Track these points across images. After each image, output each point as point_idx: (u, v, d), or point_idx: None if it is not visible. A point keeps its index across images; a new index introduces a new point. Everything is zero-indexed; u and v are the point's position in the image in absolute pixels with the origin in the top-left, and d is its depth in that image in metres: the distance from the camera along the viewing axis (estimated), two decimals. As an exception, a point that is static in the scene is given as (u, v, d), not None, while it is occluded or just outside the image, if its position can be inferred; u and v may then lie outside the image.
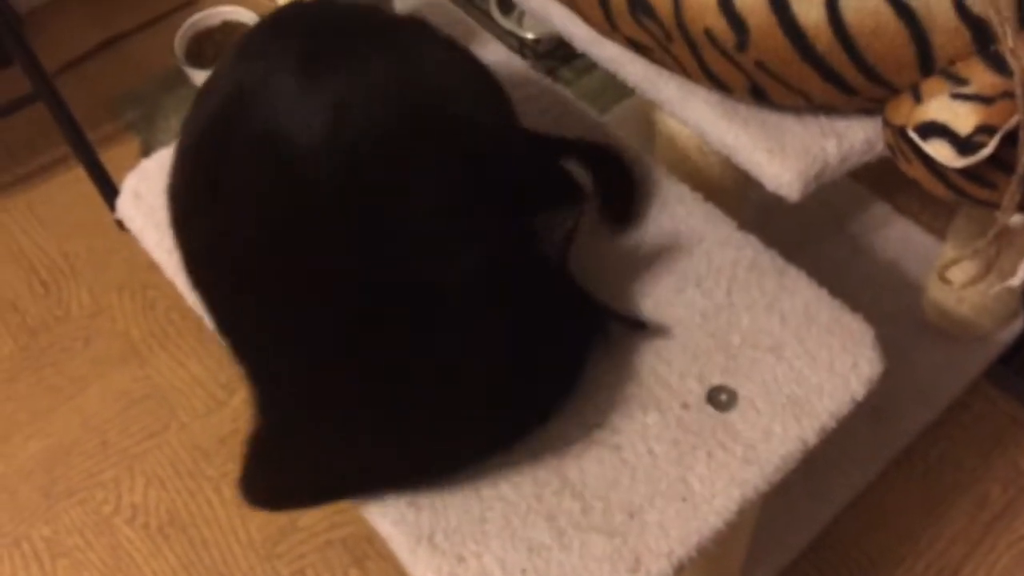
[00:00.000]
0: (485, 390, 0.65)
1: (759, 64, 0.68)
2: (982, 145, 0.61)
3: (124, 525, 1.24)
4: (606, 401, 0.72)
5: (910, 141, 0.65)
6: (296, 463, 0.69)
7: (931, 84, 0.65)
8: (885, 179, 1.28)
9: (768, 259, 0.78)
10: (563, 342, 0.69)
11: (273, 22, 0.73)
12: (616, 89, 1.45)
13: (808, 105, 0.72)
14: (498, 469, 0.69)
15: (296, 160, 0.64)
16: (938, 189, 0.68)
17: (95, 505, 1.25)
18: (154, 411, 1.33)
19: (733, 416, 0.70)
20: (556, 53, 1.56)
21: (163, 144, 1.21)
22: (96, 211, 1.51)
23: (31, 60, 1.35)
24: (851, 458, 1.09)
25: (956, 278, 0.79)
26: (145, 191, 0.89)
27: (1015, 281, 0.73)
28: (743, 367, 0.72)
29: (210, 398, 1.32)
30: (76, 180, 1.52)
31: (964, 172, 0.65)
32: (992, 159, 0.62)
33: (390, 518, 0.68)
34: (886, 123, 0.70)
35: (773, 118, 0.74)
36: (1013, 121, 0.60)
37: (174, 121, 1.61)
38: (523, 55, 1.52)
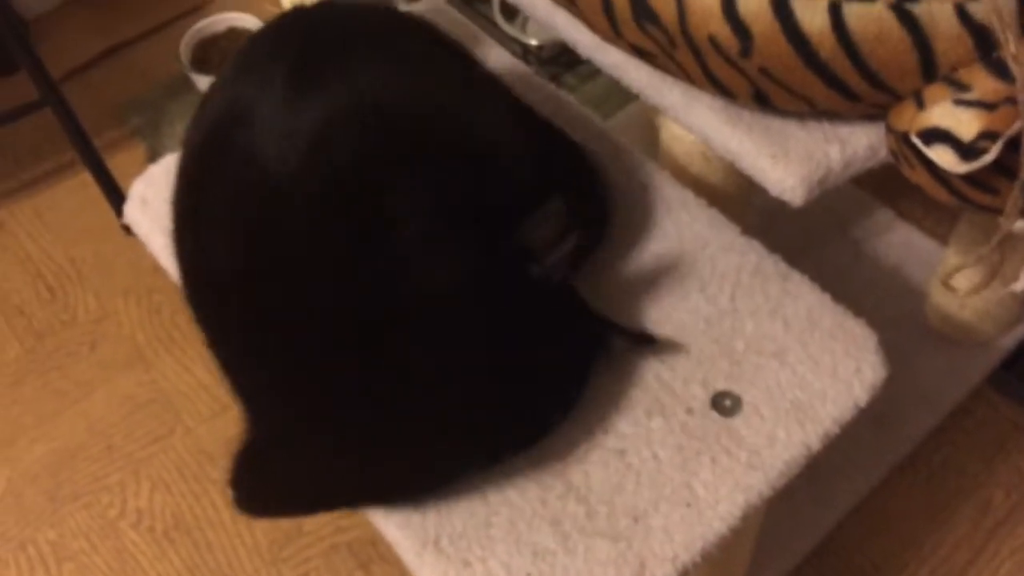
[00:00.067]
0: (476, 409, 0.65)
1: (763, 70, 0.68)
2: (985, 151, 0.61)
3: (129, 529, 1.24)
4: (611, 406, 0.72)
5: (913, 147, 0.66)
6: (283, 475, 0.69)
7: (934, 90, 0.65)
8: (888, 185, 1.28)
9: (772, 264, 0.78)
10: (563, 360, 0.69)
11: (271, 32, 0.73)
12: (620, 95, 1.45)
13: (812, 111, 0.72)
14: (503, 473, 0.70)
15: (275, 186, 0.64)
16: (941, 195, 0.69)
17: (100, 509, 1.26)
18: (159, 415, 1.33)
19: (737, 421, 0.70)
20: (560, 59, 1.56)
21: (169, 150, 1.22)
22: (102, 216, 1.51)
23: (37, 66, 1.36)
24: (854, 463, 1.09)
25: (960, 285, 0.80)
26: (152, 196, 0.89)
27: (1018, 286, 0.73)
28: (747, 372, 0.73)
29: (215, 402, 1.33)
30: (82, 185, 1.53)
31: (967, 178, 0.65)
32: (995, 165, 0.62)
33: (395, 522, 0.69)
34: (889, 129, 0.70)
35: (777, 124, 0.74)
36: (1016, 127, 0.61)
37: (179, 127, 1.62)
38: (527, 61, 1.53)
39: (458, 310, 0.64)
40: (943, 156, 0.63)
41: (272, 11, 1.71)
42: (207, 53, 1.66)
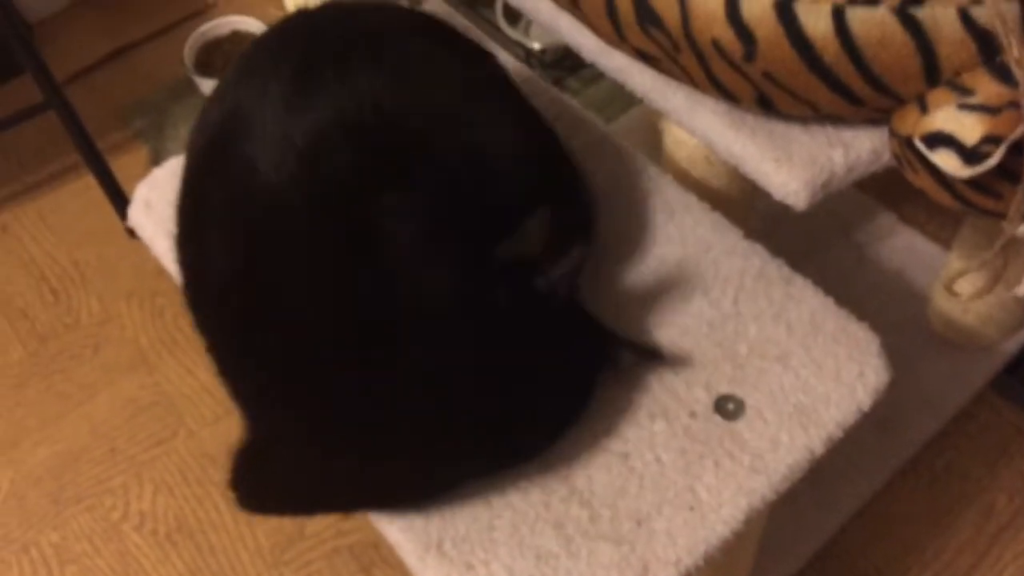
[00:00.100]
0: (474, 419, 0.65)
1: (766, 74, 0.68)
2: (988, 155, 0.61)
3: (132, 532, 1.24)
4: (614, 409, 0.72)
5: (916, 151, 0.66)
6: (282, 475, 0.69)
7: (937, 95, 0.65)
8: (891, 189, 1.28)
9: (775, 268, 0.78)
10: (567, 372, 0.69)
11: (273, 35, 0.73)
12: (622, 99, 1.45)
13: (815, 115, 0.73)
14: (507, 477, 0.70)
15: (273, 191, 0.64)
16: (944, 199, 0.69)
17: (103, 512, 1.26)
18: (162, 418, 1.33)
19: (740, 425, 0.70)
20: (563, 63, 1.57)
21: (172, 152, 1.22)
22: (106, 219, 1.52)
23: (42, 69, 1.36)
24: (857, 467, 1.09)
25: (963, 290, 0.80)
26: (156, 199, 0.90)
27: (1021, 291, 0.73)
28: (750, 376, 0.73)
29: (218, 405, 1.33)
30: (86, 188, 1.53)
31: (970, 182, 0.65)
32: (998, 169, 0.62)
33: (398, 525, 0.69)
34: (892, 133, 0.70)
35: (780, 128, 0.74)
36: (1019, 131, 0.61)
37: (183, 129, 1.62)
38: (530, 65, 1.53)
39: (453, 319, 0.64)
40: (947, 160, 0.63)
41: (276, 15, 1.71)
42: (211, 56, 1.66)
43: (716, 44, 0.68)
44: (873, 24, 0.63)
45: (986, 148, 0.61)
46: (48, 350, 1.41)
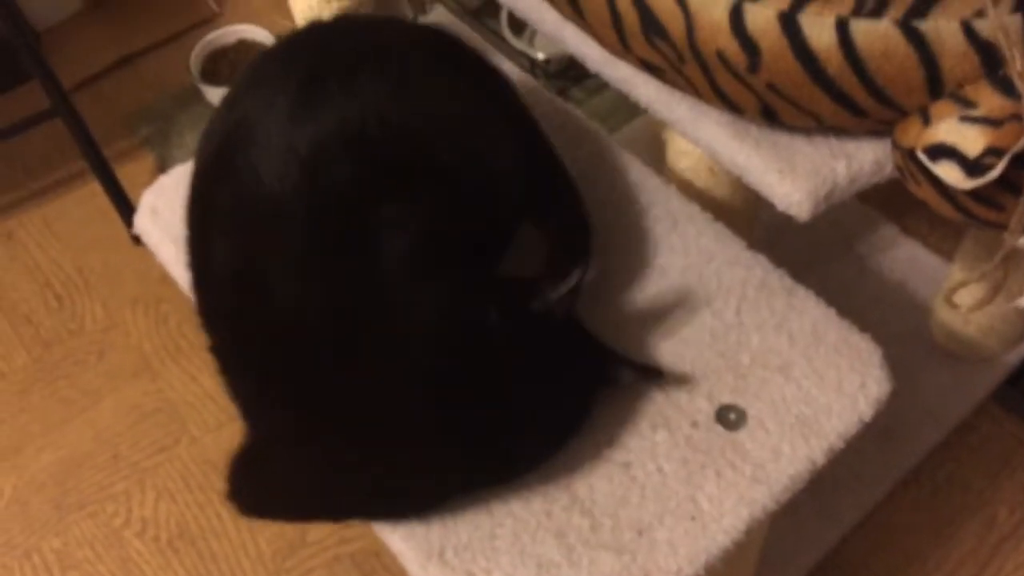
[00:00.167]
0: (469, 432, 0.65)
1: (770, 86, 0.69)
2: (990, 167, 0.61)
3: (134, 538, 1.24)
4: (616, 419, 0.72)
5: (919, 163, 0.66)
6: (279, 480, 0.69)
7: (940, 107, 0.66)
8: (894, 200, 1.28)
9: (777, 279, 0.78)
10: (564, 388, 0.69)
11: (284, 46, 0.74)
12: (626, 109, 1.46)
13: (818, 126, 0.73)
14: (508, 486, 0.70)
15: (275, 200, 0.65)
16: (946, 210, 0.69)
17: (106, 518, 1.26)
18: (165, 425, 1.33)
19: (742, 435, 0.71)
20: (567, 73, 1.57)
21: (178, 160, 1.22)
22: (111, 226, 1.52)
23: (49, 76, 1.37)
24: (859, 478, 1.09)
25: (963, 301, 0.80)
26: (162, 207, 0.90)
27: (1022, 302, 0.73)
28: (752, 386, 0.73)
29: (221, 412, 1.33)
30: (91, 195, 1.54)
31: (972, 194, 0.65)
32: (1000, 181, 0.62)
33: (400, 534, 0.69)
34: (895, 145, 0.70)
35: (784, 139, 0.75)
36: (1021, 143, 0.61)
37: (188, 137, 1.63)
38: (534, 75, 1.53)
39: (447, 332, 0.65)
40: (949, 172, 0.63)
41: (283, 23, 1.72)
42: (217, 65, 1.67)
43: (720, 55, 0.69)
44: (877, 36, 0.64)
45: (988, 160, 0.62)
46: (52, 356, 1.41)
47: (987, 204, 0.66)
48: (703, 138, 0.78)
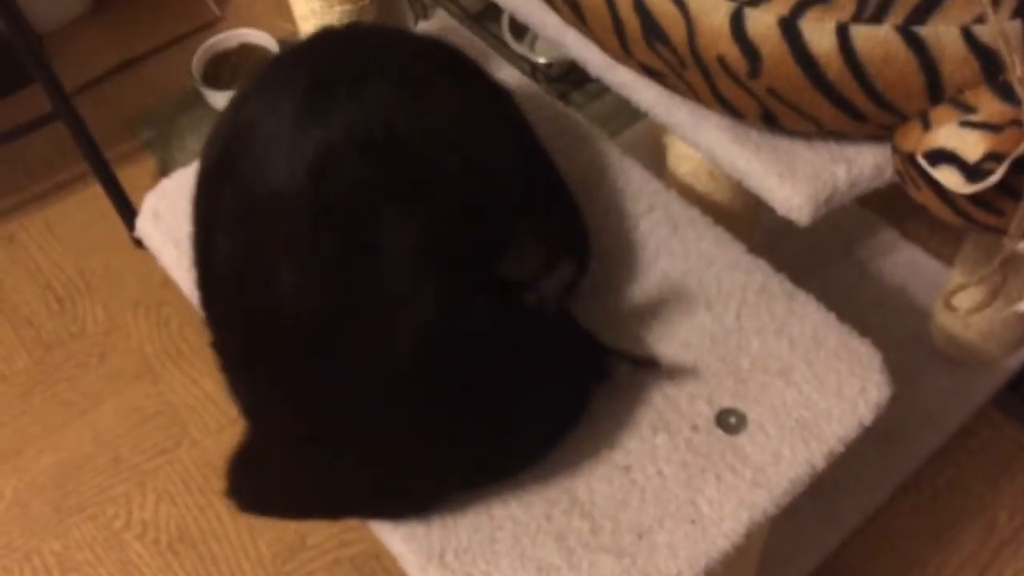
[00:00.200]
0: (465, 430, 0.66)
1: (771, 91, 0.69)
2: (990, 172, 0.62)
3: (134, 541, 1.24)
4: (616, 422, 0.72)
5: (919, 167, 0.66)
6: (278, 477, 0.70)
7: (940, 112, 0.66)
8: (894, 205, 1.28)
9: (777, 283, 0.79)
10: (560, 383, 0.70)
11: (295, 51, 0.76)
12: (627, 114, 1.46)
13: (819, 131, 0.73)
14: (508, 488, 0.70)
15: (278, 201, 0.66)
16: (946, 215, 0.69)
17: (106, 520, 1.26)
18: (166, 427, 1.34)
19: (742, 439, 0.71)
20: (568, 77, 1.57)
21: (179, 163, 1.23)
22: (113, 229, 1.52)
23: (51, 79, 1.37)
24: (860, 482, 1.09)
25: (962, 304, 0.80)
26: (164, 210, 0.90)
27: (1022, 307, 0.74)
28: (752, 390, 0.73)
29: (222, 415, 1.33)
30: (93, 198, 1.54)
31: (972, 198, 0.66)
32: (1000, 186, 0.62)
33: (400, 536, 0.69)
34: (895, 149, 0.71)
35: (784, 143, 0.75)
36: (1021, 149, 0.61)
37: (190, 141, 1.63)
38: (535, 79, 1.54)
39: (444, 329, 0.65)
40: (949, 177, 0.64)
41: (286, 28, 1.72)
42: (219, 69, 1.67)
43: (721, 60, 0.69)
44: (877, 42, 0.64)
45: (988, 165, 0.62)
46: (53, 358, 1.42)
47: (987, 209, 0.67)
48: (703, 142, 0.78)
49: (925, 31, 0.63)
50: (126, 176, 1.50)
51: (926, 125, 0.66)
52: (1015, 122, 0.62)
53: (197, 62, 1.65)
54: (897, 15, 0.63)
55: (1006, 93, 0.63)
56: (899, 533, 1.18)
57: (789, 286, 0.78)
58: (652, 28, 0.71)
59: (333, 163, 0.66)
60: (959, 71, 0.64)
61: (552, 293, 0.68)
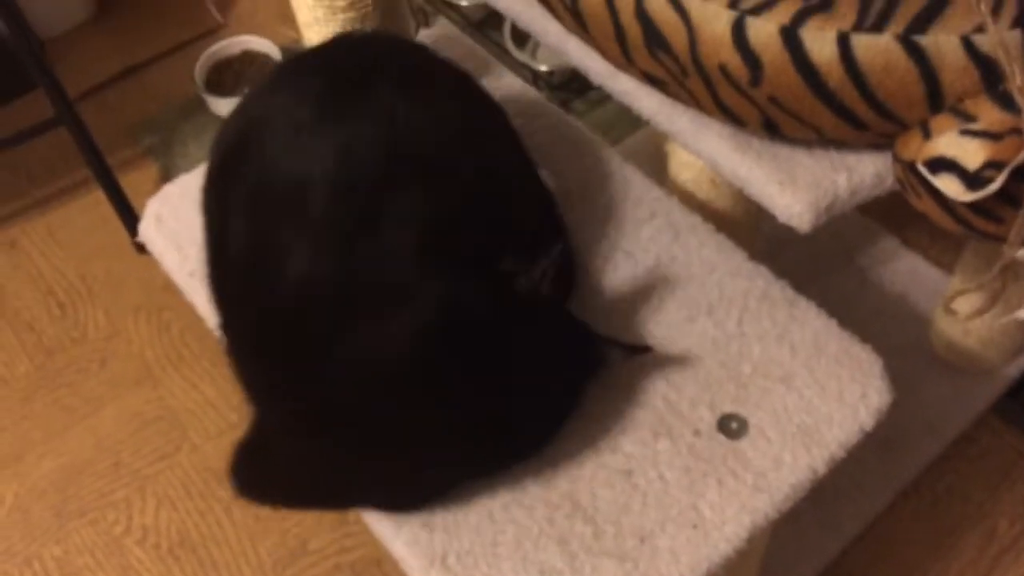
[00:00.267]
0: (460, 419, 0.67)
1: (772, 99, 0.69)
2: (990, 180, 0.62)
3: (135, 546, 1.24)
4: (618, 427, 0.73)
5: (919, 175, 0.67)
6: (282, 466, 0.71)
7: (940, 120, 0.66)
8: (894, 213, 1.29)
9: (779, 290, 0.79)
10: (556, 372, 0.70)
11: (313, 52, 0.78)
12: (628, 122, 1.46)
13: (819, 139, 0.74)
14: (511, 492, 0.70)
15: (292, 190, 0.68)
16: (947, 223, 0.70)
17: (106, 525, 1.26)
18: (167, 432, 1.34)
19: (744, 444, 0.71)
20: (569, 85, 1.58)
21: (181, 169, 1.23)
22: (114, 234, 1.53)
23: (54, 85, 1.37)
24: (860, 489, 1.09)
25: (962, 309, 0.80)
26: (167, 215, 0.91)
27: (1021, 314, 0.74)
28: (754, 396, 0.73)
29: (222, 420, 1.33)
30: (95, 204, 1.55)
31: (972, 206, 0.66)
32: (1000, 194, 0.63)
33: (403, 539, 0.69)
34: (896, 158, 0.71)
35: (785, 151, 0.75)
36: (1021, 157, 0.62)
37: (192, 147, 1.63)
38: (537, 87, 1.54)
39: (443, 319, 0.66)
40: (949, 185, 0.64)
41: (288, 35, 1.73)
42: (221, 75, 1.68)
43: (723, 69, 0.69)
44: (877, 51, 0.65)
45: (988, 173, 0.62)
46: (55, 364, 1.42)
47: (987, 216, 0.67)
48: (705, 150, 0.79)
49: (926, 40, 0.64)
50: (128, 182, 1.51)
51: (926, 134, 0.67)
52: (1015, 131, 0.62)
53: (200, 69, 1.66)
54: (898, 24, 0.64)
55: (1006, 102, 0.63)
56: (899, 540, 1.18)
57: (790, 293, 0.79)
58: (654, 36, 0.72)
59: (352, 154, 0.68)
60: (959, 80, 0.65)
61: (543, 278, 0.70)
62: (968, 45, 0.63)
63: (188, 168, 0.91)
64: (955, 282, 1.16)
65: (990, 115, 0.64)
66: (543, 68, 1.55)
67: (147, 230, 0.91)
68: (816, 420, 0.72)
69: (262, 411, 0.70)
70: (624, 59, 0.77)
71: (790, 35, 0.66)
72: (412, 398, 0.65)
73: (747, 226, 0.95)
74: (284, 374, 0.68)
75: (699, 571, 0.66)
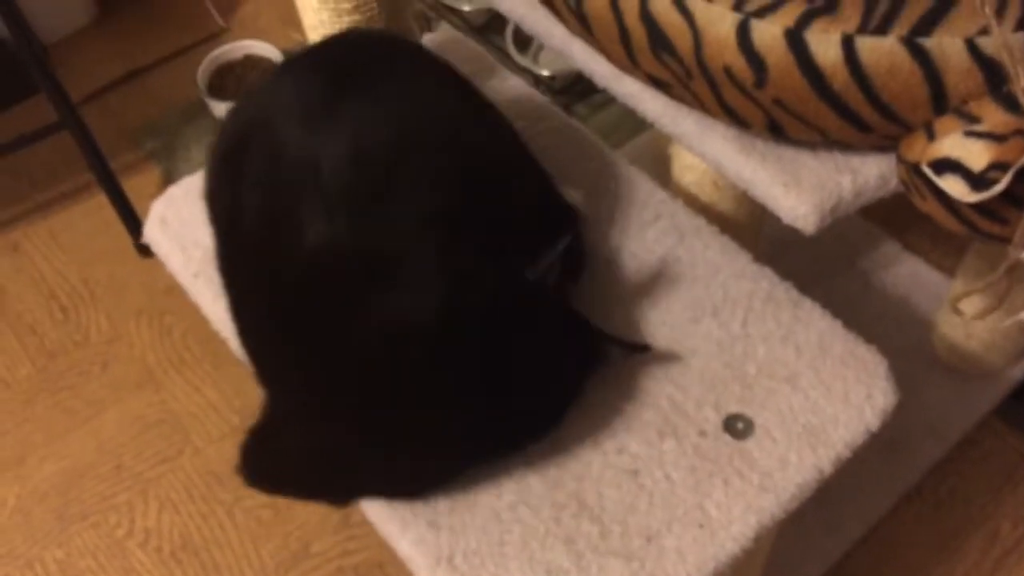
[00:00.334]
0: (464, 405, 0.67)
1: (777, 101, 0.70)
2: (995, 181, 0.62)
3: (137, 549, 1.24)
4: (624, 427, 0.73)
5: (924, 177, 0.67)
6: (289, 457, 0.71)
7: (945, 122, 0.67)
8: (896, 217, 1.29)
9: (783, 291, 0.79)
10: (553, 366, 0.71)
11: (320, 47, 0.80)
12: (631, 125, 1.47)
13: (824, 141, 0.74)
14: (517, 492, 0.70)
15: (301, 175, 0.69)
16: (951, 224, 0.70)
17: (108, 528, 1.26)
18: (169, 436, 1.34)
19: (750, 444, 0.71)
20: (572, 89, 1.58)
21: (184, 173, 1.23)
22: (117, 238, 1.53)
23: (57, 89, 1.38)
24: (864, 491, 1.09)
25: (967, 309, 0.81)
26: (171, 217, 0.91)
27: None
28: (759, 396, 0.73)
29: (224, 423, 1.33)
30: (98, 207, 1.55)
31: (977, 207, 0.66)
32: (1004, 195, 0.63)
33: (409, 539, 0.69)
34: (900, 159, 0.71)
35: (789, 153, 0.76)
36: (1025, 159, 0.62)
37: (194, 151, 1.64)
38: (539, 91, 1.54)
39: (449, 308, 0.67)
40: (954, 186, 0.64)
41: (293, 38, 1.73)
42: (224, 80, 1.68)
43: (728, 71, 0.70)
44: (882, 53, 0.65)
45: (993, 174, 0.63)
46: (57, 367, 1.42)
47: (991, 218, 0.67)
48: (709, 152, 0.79)
49: (930, 43, 0.64)
50: (131, 186, 1.51)
51: (931, 135, 0.67)
52: (1019, 132, 0.63)
53: (202, 73, 1.66)
54: (902, 27, 0.64)
55: (1010, 104, 0.64)
56: (902, 543, 1.18)
57: (795, 294, 0.79)
58: (659, 39, 0.72)
59: (369, 131, 0.70)
60: (963, 82, 0.65)
61: (550, 267, 0.71)
62: (972, 47, 0.64)
63: (191, 172, 0.92)
64: (957, 285, 1.16)
65: (994, 117, 0.64)
66: (545, 73, 1.56)
67: (152, 232, 0.92)
68: (822, 420, 0.72)
69: (274, 393, 0.71)
70: (629, 61, 0.77)
71: (794, 37, 0.66)
72: (416, 380, 0.66)
73: (751, 228, 0.96)
74: (297, 349, 0.68)
75: (705, 571, 0.66)
